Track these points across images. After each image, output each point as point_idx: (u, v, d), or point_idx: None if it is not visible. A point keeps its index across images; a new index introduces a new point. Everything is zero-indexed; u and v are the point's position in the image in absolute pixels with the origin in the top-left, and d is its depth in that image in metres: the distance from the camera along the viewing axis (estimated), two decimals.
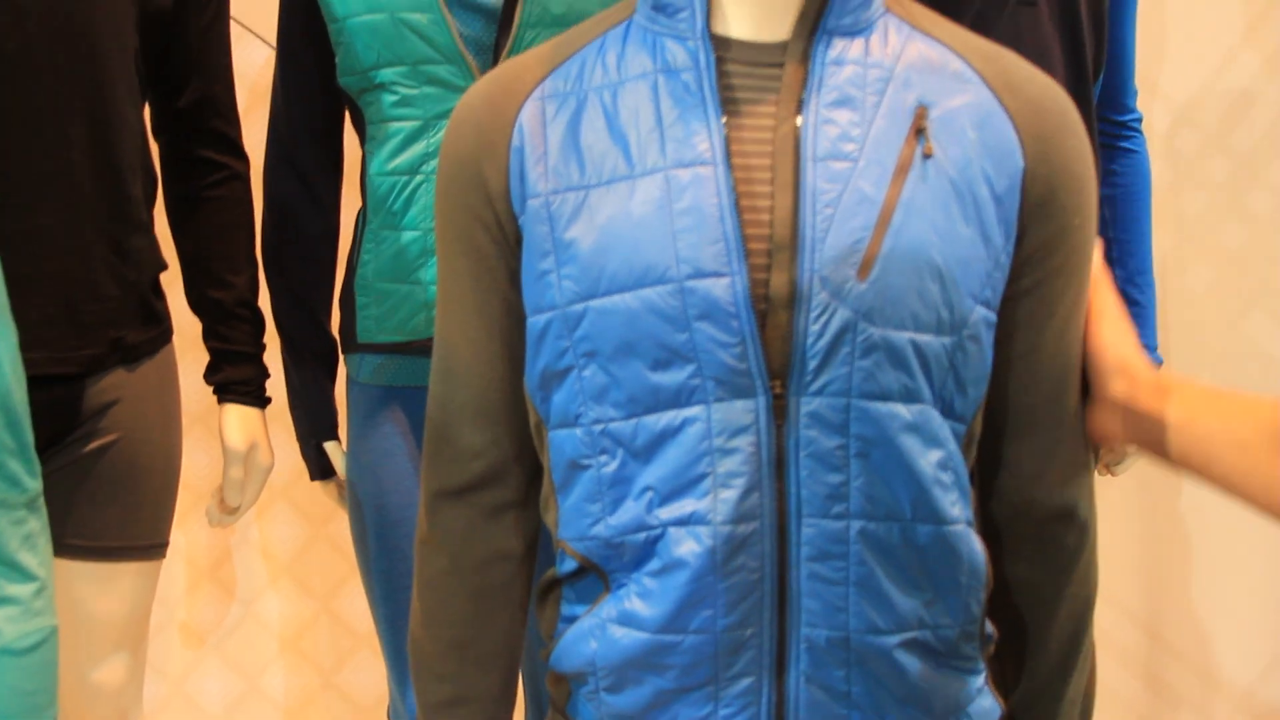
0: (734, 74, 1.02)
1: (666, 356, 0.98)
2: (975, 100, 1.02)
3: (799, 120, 0.99)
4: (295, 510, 2.31)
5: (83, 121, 1.54)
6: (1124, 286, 1.85)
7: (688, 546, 0.99)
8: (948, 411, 1.01)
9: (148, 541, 1.66)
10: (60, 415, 1.58)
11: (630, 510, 1.01)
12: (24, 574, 1.18)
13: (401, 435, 1.64)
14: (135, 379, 1.64)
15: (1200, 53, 2.27)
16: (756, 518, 0.99)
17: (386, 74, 1.54)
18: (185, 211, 1.76)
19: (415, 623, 1.14)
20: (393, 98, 1.55)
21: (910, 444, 0.99)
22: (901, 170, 0.98)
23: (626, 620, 1.02)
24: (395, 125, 1.56)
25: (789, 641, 1.00)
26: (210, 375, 1.76)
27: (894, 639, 1.01)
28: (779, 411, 0.98)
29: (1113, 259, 1.86)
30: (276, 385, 1.77)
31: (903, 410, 0.99)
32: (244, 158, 1.78)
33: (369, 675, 2.36)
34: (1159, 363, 1.91)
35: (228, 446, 1.74)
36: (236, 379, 1.74)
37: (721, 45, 1.03)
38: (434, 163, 1.55)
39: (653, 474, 1.00)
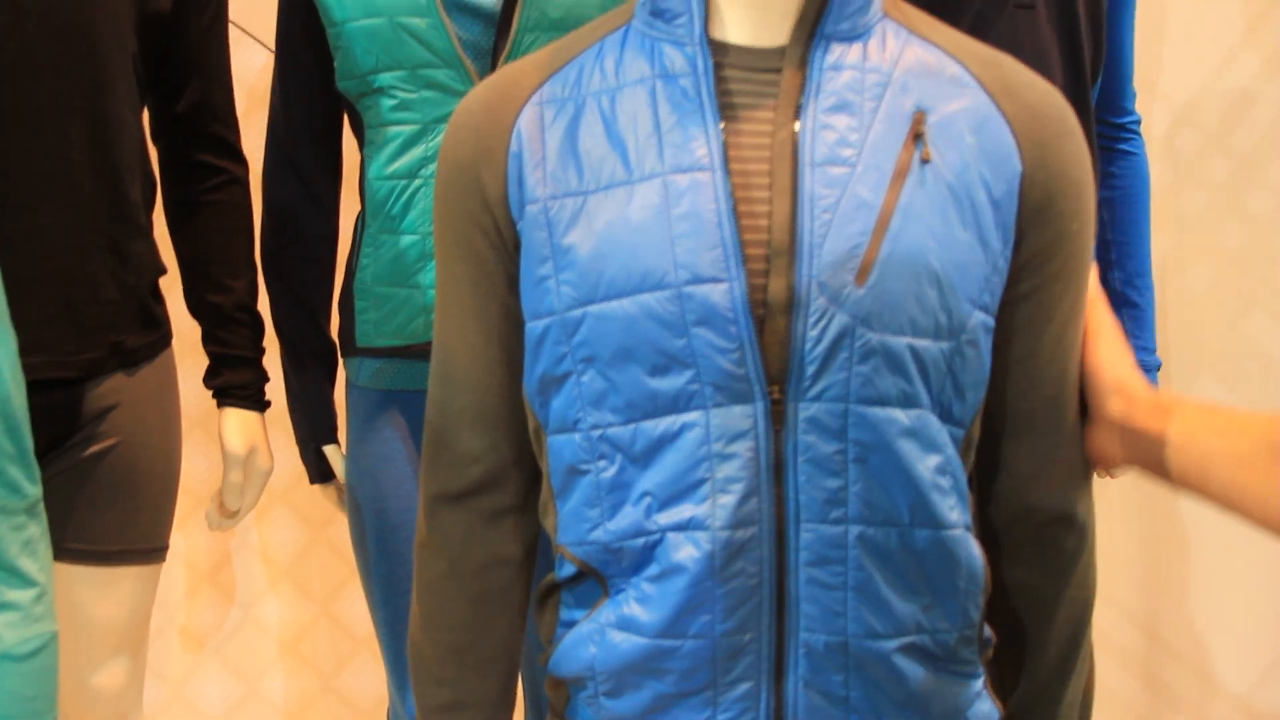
0: (732, 79, 1.02)
1: (665, 362, 0.98)
2: (973, 105, 1.02)
3: (797, 125, 0.99)
4: (295, 514, 2.31)
5: (82, 122, 1.54)
6: (1123, 289, 1.85)
7: (686, 552, 0.99)
8: (946, 416, 1.01)
9: (147, 545, 1.66)
10: (60, 420, 1.58)
11: (629, 515, 1.01)
12: (24, 580, 1.18)
13: (401, 439, 1.63)
14: (135, 383, 1.64)
15: (1200, 53, 2.27)
16: (755, 523, 0.98)
17: (385, 78, 1.54)
18: (184, 216, 1.75)
19: (414, 626, 1.14)
20: (391, 102, 1.54)
21: (908, 449, 0.99)
22: (899, 175, 0.98)
23: (625, 625, 1.02)
24: (394, 129, 1.55)
25: (787, 646, 1.00)
26: (209, 379, 1.76)
27: (892, 644, 1.01)
28: (777, 417, 0.98)
29: (1111, 261, 1.86)
30: (276, 389, 1.77)
31: (901, 415, 0.98)
32: (243, 162, 1.78)
33: (368, 679, 2.36)
34: (1158, 363, 1.91)
35: (227, 450, 1.74)
36: (236, 383, 1.74)
37: (719, 50, 1.03)
38: (433, 167, 1.54)
39: (651, 479, 1.00)
